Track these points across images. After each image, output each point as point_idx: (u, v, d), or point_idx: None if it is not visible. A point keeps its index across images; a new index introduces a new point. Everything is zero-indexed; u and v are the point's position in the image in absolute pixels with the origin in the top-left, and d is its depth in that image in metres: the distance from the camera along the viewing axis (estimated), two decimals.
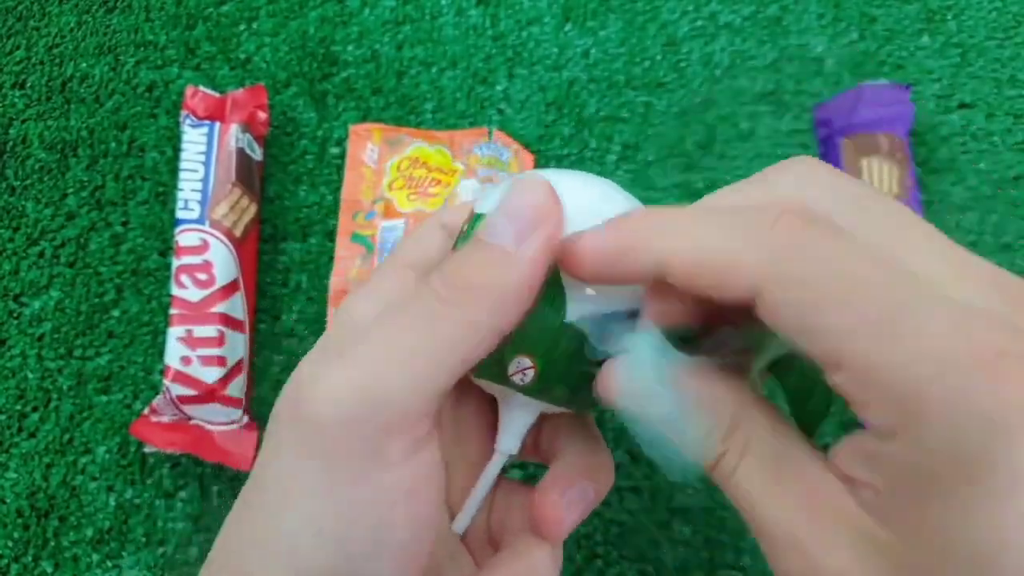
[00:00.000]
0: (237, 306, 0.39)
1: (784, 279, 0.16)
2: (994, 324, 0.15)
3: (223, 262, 0.39)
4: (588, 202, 0.21)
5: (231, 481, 0.39)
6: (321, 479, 0.18)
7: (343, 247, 0.42)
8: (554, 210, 0.19)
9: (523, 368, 0.22)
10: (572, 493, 0.23)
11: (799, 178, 0.19)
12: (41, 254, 0.43)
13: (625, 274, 0.19)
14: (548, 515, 0.22)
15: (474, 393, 0.25)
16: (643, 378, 0.19)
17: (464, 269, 0.19)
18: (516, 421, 0.24)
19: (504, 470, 0.25)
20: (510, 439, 0.24)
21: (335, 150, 0.44)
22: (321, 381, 0.18)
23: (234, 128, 0.41)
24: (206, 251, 0.39)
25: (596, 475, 0.24)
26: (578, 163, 0.43)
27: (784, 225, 0.17)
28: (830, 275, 0.16)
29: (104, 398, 0.40)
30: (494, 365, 0.22)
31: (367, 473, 0.18)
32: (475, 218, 0.22)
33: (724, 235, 0.17)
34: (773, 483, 0.18)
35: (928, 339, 0.15)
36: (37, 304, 0.42)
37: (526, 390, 0.22)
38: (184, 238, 0.39)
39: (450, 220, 0.24)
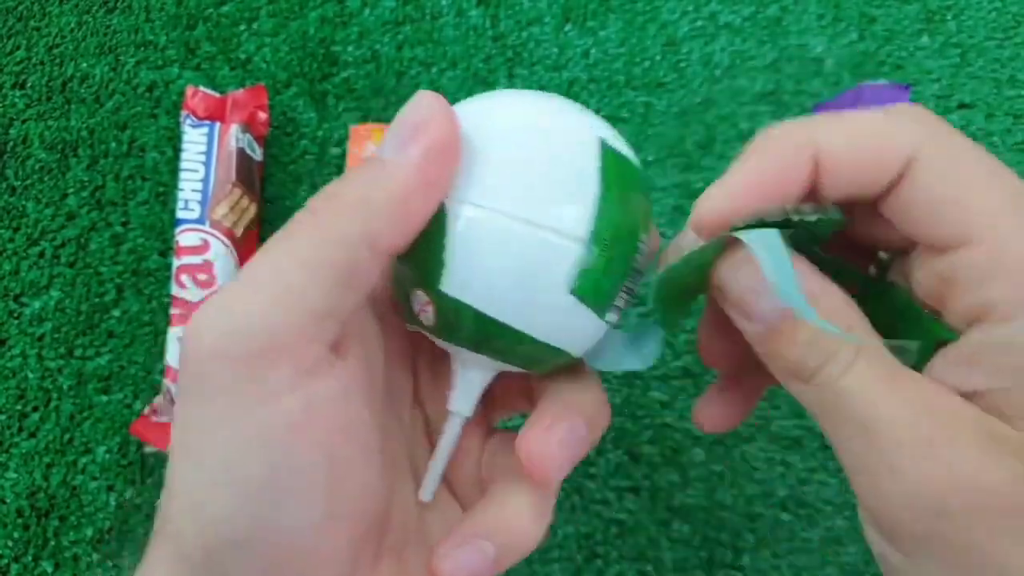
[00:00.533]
0: None
1: (938, 149, 0.17)
2: None
3: (223, 262, 0.39)
4: (523, 117, 0.20)
5: None
6: (207, 421, 0.17)
7: None
8: (437, 119, 0.19)
9: (422, 304, 0.20)
10: (560, 430, 0.20)
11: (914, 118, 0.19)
12: (41, 254, 0.43)
13: (780, 175, 0.18)
14: (532, 450, 0.20)
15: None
16: (778, 268, 0.17)
17: (339, 183, 0.18)
18: (468, 379, 0.22)
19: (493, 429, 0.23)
20: (462, 399, 0.22)
21: (335, 150, 0.44)
22: (193, 323, 0.17)
23: (234, 128, 0.41)
24: (206, 251, 0.39)
25: (587, 410, 0.21)
26: None
27: (927, 115, 0.18)
28: (975, 158, 0.17)
29: (104, 398, 0.40)
30: (404, 301, 0.20)
31: (249, 407, 0.17)
32: None
33: (873, 121, 0.18)
34: (890, 385, 0.17)
35: None
36: (37, 304, 0.42)
37: (432, 331, 0.21)
38: (184, 238, 0.39)
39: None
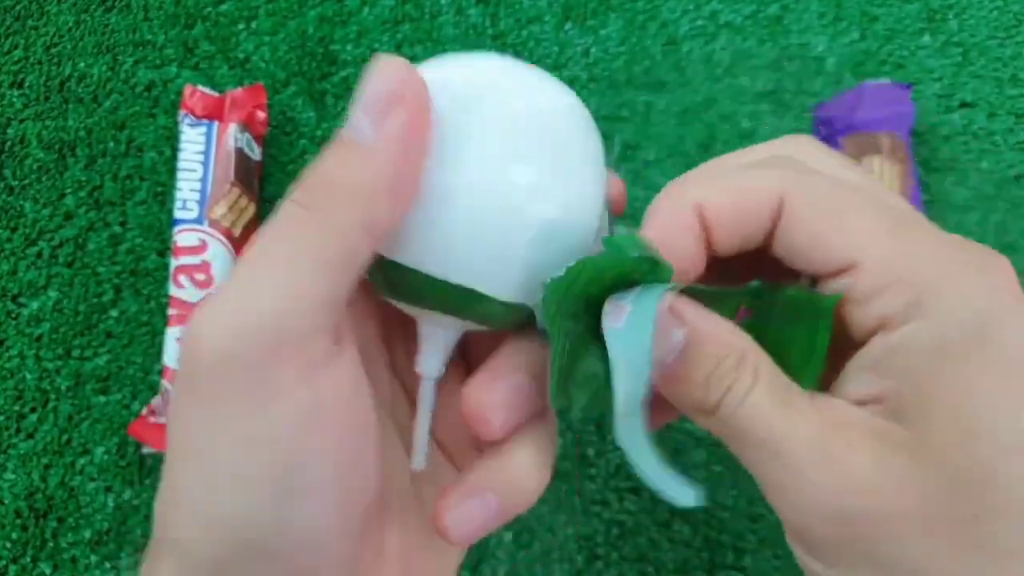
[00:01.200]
0: None
1: (807, 188, 0.19)
2: (972, 245, 0.19)
3: (222, 262, 0.39)
4: (482, 79, 0.20)
5: None
6: (214, 423, 0.17)
7: None
8: (411, 89, 0.18)
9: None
10: (502, 384, 0.20)
11: (797, 146, 0.21)
12: (39, 254, 0.42)
13: (674, 236, 0.20)
14: (471, 412, 0.20)
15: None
16: (643, 324, 0.18)
17: (322, 170, 0.18)
18: (432, 339, 0.22)
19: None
20: (429, 360, 0.22)
21: None
22: (195, 323, 0.17)
23: (233, 128, 0.41)
24: (204, 251, 0.39)
25: (533, 368, 0.21)
26: None
27: (800, 155, 0.20)
28: (840, 192, 0.19)
29: (102, 399, 0.40)
30: (377, 272, 0.20)
31: (259, 407, 0.16)
32: None
33: (742, 174, 0.20)
34: (787, 405, 0.18)
35: (931, 245, 0.18)
36: (35, 304, 0.42)
37: (388, 293, 0.21)
38: (182, 238, 0.39)
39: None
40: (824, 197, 0.19)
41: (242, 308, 0.16)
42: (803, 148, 0.21)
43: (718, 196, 0.19)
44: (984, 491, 0.16)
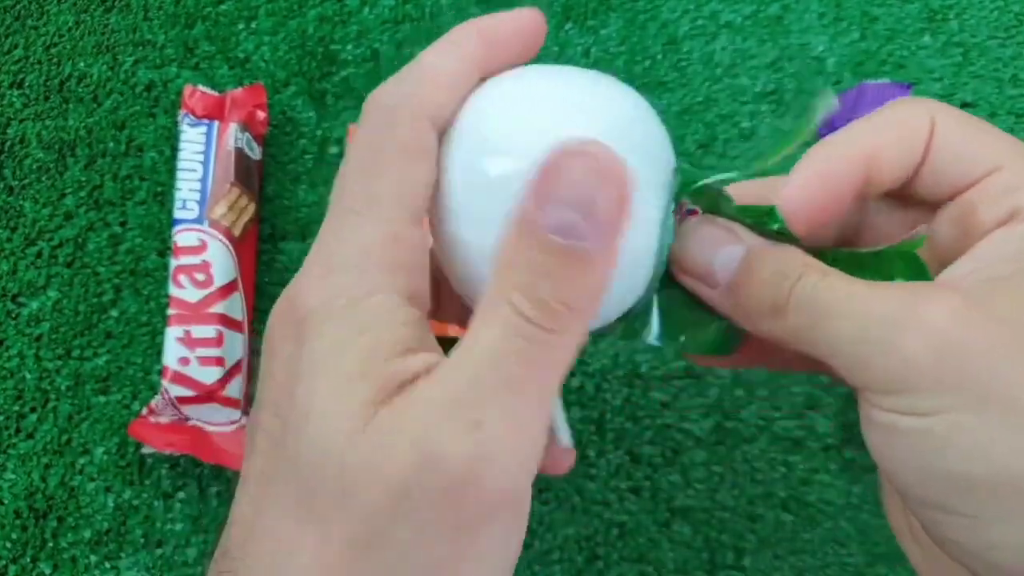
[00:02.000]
0: (236, 306, 0.39)
1: (953, 111, 0.21)
2: None
3: (222, 262, 0.39)
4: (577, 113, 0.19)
5: (230, 482, 0.39)
6: (474, 554, 0.16)
7: None
8: (631, 186, 0.16)
9: None
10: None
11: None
12: (39, 254, 0.42)
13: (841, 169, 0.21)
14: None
15: None
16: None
17: (554, 286, 0.16)
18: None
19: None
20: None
21: (334, 149, 0.44)
22: (472, 458, 0.16)
23: (233, 127, 0.41)
24: (204, 251, 0.39)
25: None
26: None
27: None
28: (977, 119, 0.21)
29: (102, 399, 0.40)
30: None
31: (516, 534, 0.17)
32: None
33: (899, 109, 0.21)
34: (864, 282, 0.19)
35: None
36: (35, 304, 0.42)
37: None
38: (182, 238, 0.39)
39: (441, 113, 0.19)
40: (969, 118, 0.20)
41: (519, 447, 0.16)
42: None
43: (884, 138, 0.20)
44: None
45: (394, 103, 0.19)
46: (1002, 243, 0.19)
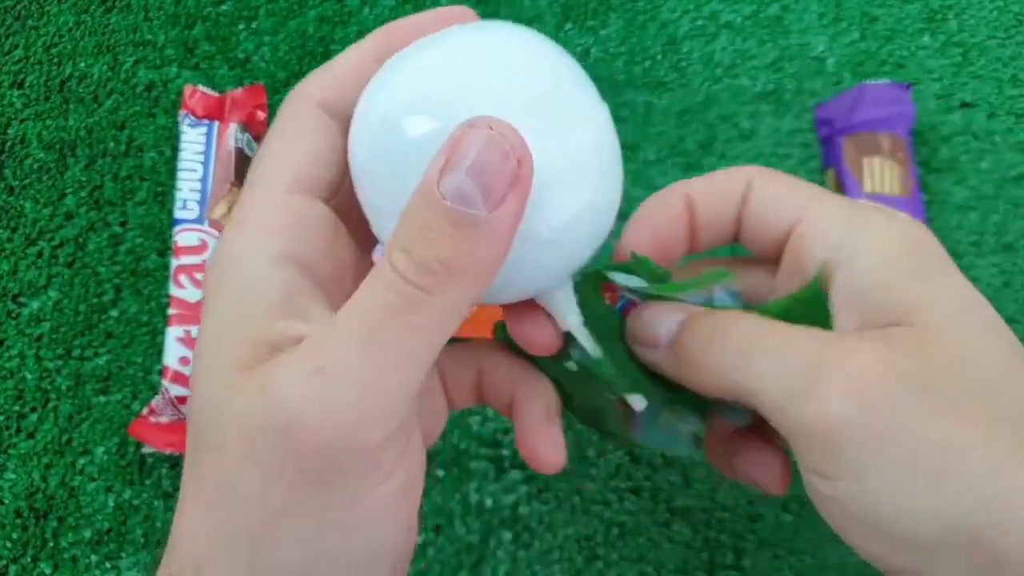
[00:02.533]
0: None
1: (769, 172, 0.24)
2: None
3: None
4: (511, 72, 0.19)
5: None
6: (315, 505, 0.17)
7: None
8: (527, 170, 0.17)
9: None
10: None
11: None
12: (39, 254, 0.42)
13: (667, 219, 0.24)
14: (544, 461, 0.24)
15: None
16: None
17: (436, 247, 0.16)
18: (562, 298, 0.22)
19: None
20: (571, 316, 0.23)
21: None
22: (302, 400, 0.16)
23: (233, 128, 0.41)
24: (205, 251, 0.39)
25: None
26: None
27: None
28: (788, 176, 0.24)
29: (103, 398, 0.40)
30: None
31: (365, 491, 0.17)
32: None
33: (723, 171, 0.24)
34: (784, 328, 0.21)
35: (858, 205, 0.22)
36: (35, 304, 0.42)
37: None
38: (183, 238, 0.39)
39: (326, 96, 0.20)
40: (783, 176, 0.23)
41: (367, 396, 0.17)
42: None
43: (701, 185, 0.24)
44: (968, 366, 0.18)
45: (290, 95, 0.20)
46: (843, 292, 0.21)
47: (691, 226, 0.24)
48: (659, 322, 0.22)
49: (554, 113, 0.19)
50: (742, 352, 0.20)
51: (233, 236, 0.19)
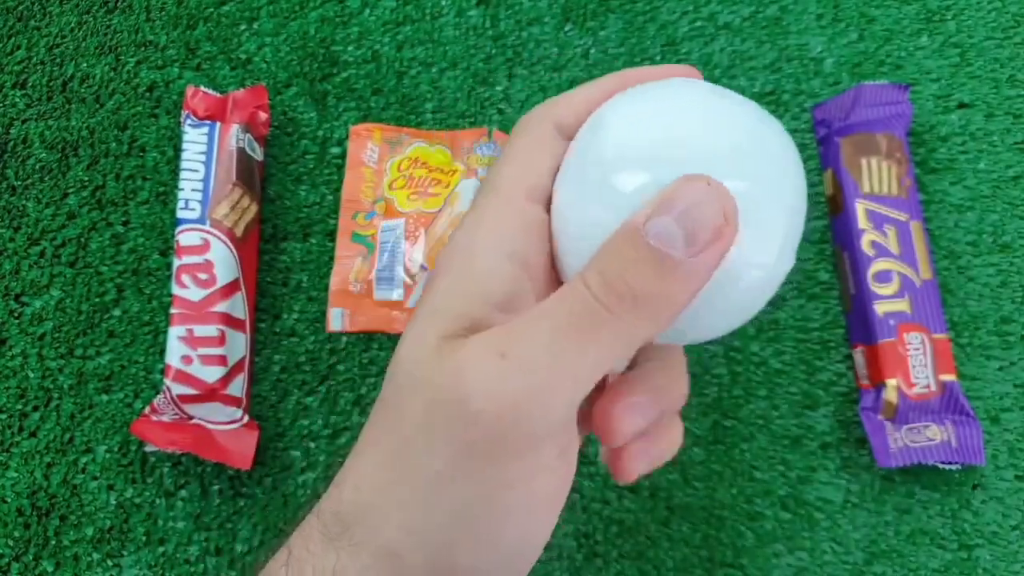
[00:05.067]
0: (238, 305, 0.39)
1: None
2: None
3: (224, 262, 0.39)
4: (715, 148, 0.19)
5: (231, 480, 0.39)
6: (475, 478, 0.18)
7: (343, 247, 0.42)
8: (733, 228, 0.18)
9: None
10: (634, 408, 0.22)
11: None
12: (42, 254, 0.43)
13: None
14: (606, 425, 0.22)
15: None
16: None
17: (630, 275, 0.18)
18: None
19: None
20: None
21: (336, 150, 0.44)
22: (482, 379, 0.18)
23: (235, 128, 0.41)
24: (207, 251, 0.39)
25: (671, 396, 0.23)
26: None
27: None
28: None
29: (105, 397, 0.40)
30: None
31: (523, 479, 0.19)
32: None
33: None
34: None
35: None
36: (38, 303, 0.42)
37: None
38: (185, 238, 0.39)
39: (564, 121, 0.22)
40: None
41: (537, 389, 0.18)
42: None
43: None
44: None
45: (529, 116, 0.22)
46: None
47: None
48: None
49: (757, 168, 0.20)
50: None
51: (471, 231, 0.21)
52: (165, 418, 0.38)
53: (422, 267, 0.41)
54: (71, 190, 0.44)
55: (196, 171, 0.40)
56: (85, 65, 0.46)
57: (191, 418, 0.38)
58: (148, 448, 0.38)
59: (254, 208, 0.41)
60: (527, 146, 0.22)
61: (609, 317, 0.18)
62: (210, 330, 0.38)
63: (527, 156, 0.22)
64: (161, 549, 0.38)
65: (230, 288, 0.39)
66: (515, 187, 0.21)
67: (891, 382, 0.37)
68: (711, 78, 0.44)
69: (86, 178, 0.44)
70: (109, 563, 0.38)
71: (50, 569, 0.38)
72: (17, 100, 0.45)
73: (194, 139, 0.41)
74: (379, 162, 0.43)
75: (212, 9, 0.46)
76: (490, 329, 0.19)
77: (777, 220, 0.19)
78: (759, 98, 0.44)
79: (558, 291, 0.19)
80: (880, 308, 0.38)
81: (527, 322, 0.19)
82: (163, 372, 0.38)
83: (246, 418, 0.39)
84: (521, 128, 0.22)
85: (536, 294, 0.21)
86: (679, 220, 0.18)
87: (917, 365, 0.37)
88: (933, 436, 0.37)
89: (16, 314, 0.42)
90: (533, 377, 0.18)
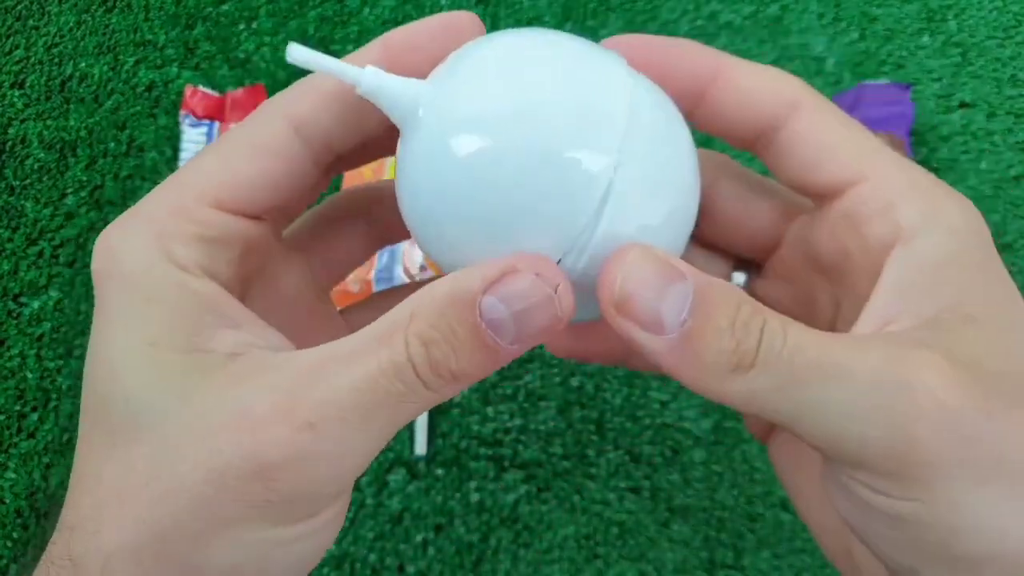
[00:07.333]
0: None
1: (818, 100, 0.19)
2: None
3: None
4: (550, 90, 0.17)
5: None
6: (265, 523, 0.17)
7: None
8: (568, 307, 0.17)
9: None
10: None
11: None
12: (40, 254, 0.43)
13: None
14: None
15: None
16: None
17: (454, 359, 0.17)
18: None
19: None
20: None
21: None
22: (291, 455, 0.16)
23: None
24: None
25: None
26: None
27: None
28: (842, 114, 0.20)
29: None
30: None
31: (312, 518, 0.18)
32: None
33: (767, 69, 0.21)
34: (834, 337, 0.16)
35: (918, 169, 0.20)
36: (36, 304, 0.42)
37: None
38: None
39: (303, 117, 0.19)
40: (834, 113, 0.19)
41: (343, 459, 0.17)
42: None
43: (746, 70, 0.20)
44: None
45: (265, 105, 0.20)
46: (913, 275, 0.17)
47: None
48: (662, 291, 0.16)
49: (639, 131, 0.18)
50: (788, 374, 0.16)
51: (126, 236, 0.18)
52: None
53: (421, 267, 0.41)
54: (69, 190, 0.43)
55: None
56: (84, 65, 0.46)
57: None
58: None
59: None
60: (231, 141, 0.19)
61: (426, 392, 0.17)
62: None
63: (229, 153, 0.19)
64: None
65: None
66: (197, 187, 0.19)
67: None
68: None
69: (84, 178, 0.44)
70: None
71: None
72: (15, 100, 0.45)
73: (193, 139, 0.41)
74: (379, 162, 0.43)
75: (211, 8, 0.46)
76: (264, 365, 0.17)
77: (657, 200, 0.18)
78: None
79: (370, 345, 0.17)
80: None
81: (329, 379, 0.16)
82: None
83: None
84: (250, 119, 0.20)
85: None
86: (515, 317, 0.16)
87: None
88: None
89: (14, 314, 0.42)
90: (340, 449, 0.17)
